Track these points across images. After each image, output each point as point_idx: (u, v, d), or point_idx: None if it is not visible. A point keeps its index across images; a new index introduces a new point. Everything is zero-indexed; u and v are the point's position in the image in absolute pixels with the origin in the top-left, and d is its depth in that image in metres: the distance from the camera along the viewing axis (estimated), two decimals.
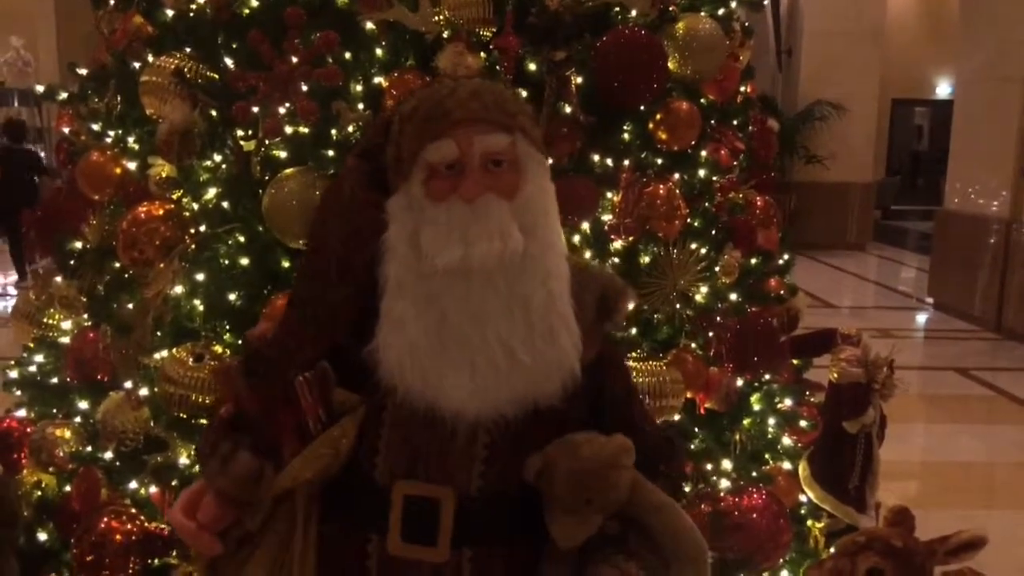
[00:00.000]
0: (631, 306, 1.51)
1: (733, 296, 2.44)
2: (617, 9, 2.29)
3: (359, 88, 2.14)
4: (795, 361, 2.84)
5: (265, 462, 1.37)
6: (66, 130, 2.75)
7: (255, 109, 2.11)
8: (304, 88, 2.10)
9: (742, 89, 2.71)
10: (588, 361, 1.38)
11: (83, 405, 2.39)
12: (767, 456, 2.56)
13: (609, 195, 2.26)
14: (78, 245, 2.47)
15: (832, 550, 2.26)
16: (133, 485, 2.23)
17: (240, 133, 2.17)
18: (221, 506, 1.38)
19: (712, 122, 2.50)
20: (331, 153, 2.10)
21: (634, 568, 1.35)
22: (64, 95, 2.64)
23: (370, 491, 1.37)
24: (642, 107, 2.29)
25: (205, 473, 1.42)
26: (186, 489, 1.44)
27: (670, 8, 2.38)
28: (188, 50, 2.26)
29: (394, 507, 1.34)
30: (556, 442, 1.36)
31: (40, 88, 2.76)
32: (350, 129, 2.10)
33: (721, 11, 2.52)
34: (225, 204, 2.18)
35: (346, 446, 1.37)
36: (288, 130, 2.12)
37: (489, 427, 1.34)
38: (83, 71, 2.61)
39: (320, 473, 1.37)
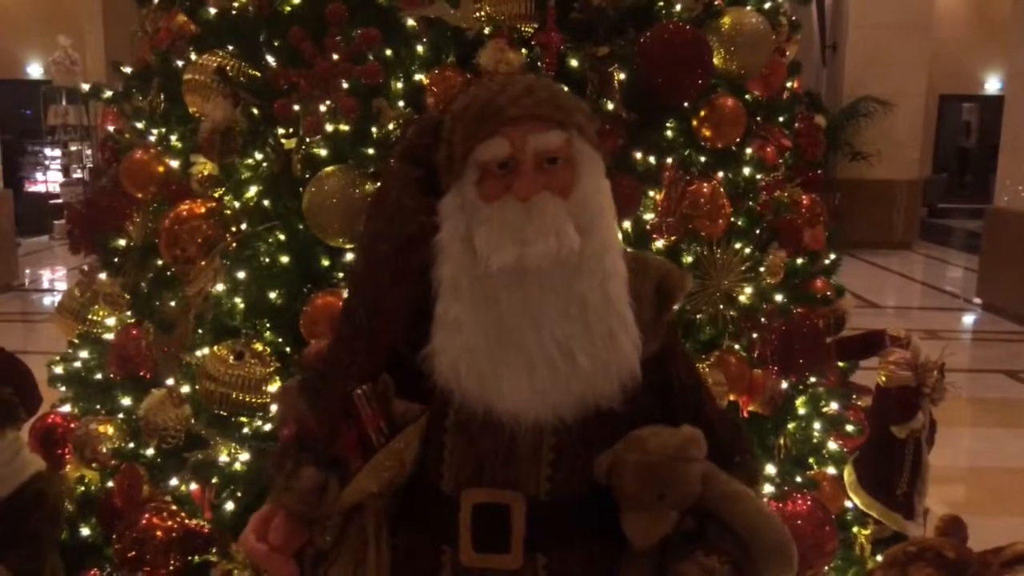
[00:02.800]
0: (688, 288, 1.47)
1: (778, 297, 2.39)
2: (661, 4, 2.25)
3: (400, 85, 2.13)
4: (841, 363, 2.78)
5: (329, 476, 1.36)
6: (111, 128, 2.78)
7: (296, 107, 2.11)
8: (345, 85, 2.09)
9: (788, 85, 2.65)
10: (651, 354, 1.35)
11: (126, 401, 2.41)
12: (812, 461, 2.51)
13: (651, 193, 2.23)
14: (122, 242, 2.49)
15: (880, 559, 2.20)
16: (174, 482, 2.25)
17: (281, 131, 2.17)
18: (291, 525, 1.37)
19: (757, 119, 2.45)
20: (371, 151, 2.10)
21: (716, 562, 1.31)
22: (108, 93, 2.66)
23: (438, 501, 1.35)
24: (686, 104, 2.25)
25: (272, 493, 1.41)
26: (256, 513, 1.44)
27: (715, 2, 2.33)
28: (230, 48, 2.26)
29: (463, 516, 1.32)
30: (623, 439, 1.33)
31: (85, 87, 2.79)
32: (390, 127, 2.09)
33: (767, 5, 2.46)
34: (266, 202, 2.18)
35: (410, 457, 1.35)
36: (329, 128, 2.11)
37: (553, 429, 1.31)
38: (127, 70, 2.63)
39: (386, 486, 1.35)
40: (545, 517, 1.32)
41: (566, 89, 2.03)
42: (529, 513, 1.31)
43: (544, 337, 1.27)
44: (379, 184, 1.58)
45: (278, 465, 1.40)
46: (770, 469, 2.34)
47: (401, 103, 2.11)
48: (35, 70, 16.51)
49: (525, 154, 1.27)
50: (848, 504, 2.61)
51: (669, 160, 2.24)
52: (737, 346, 2.31)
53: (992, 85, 17.26)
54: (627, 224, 2.18)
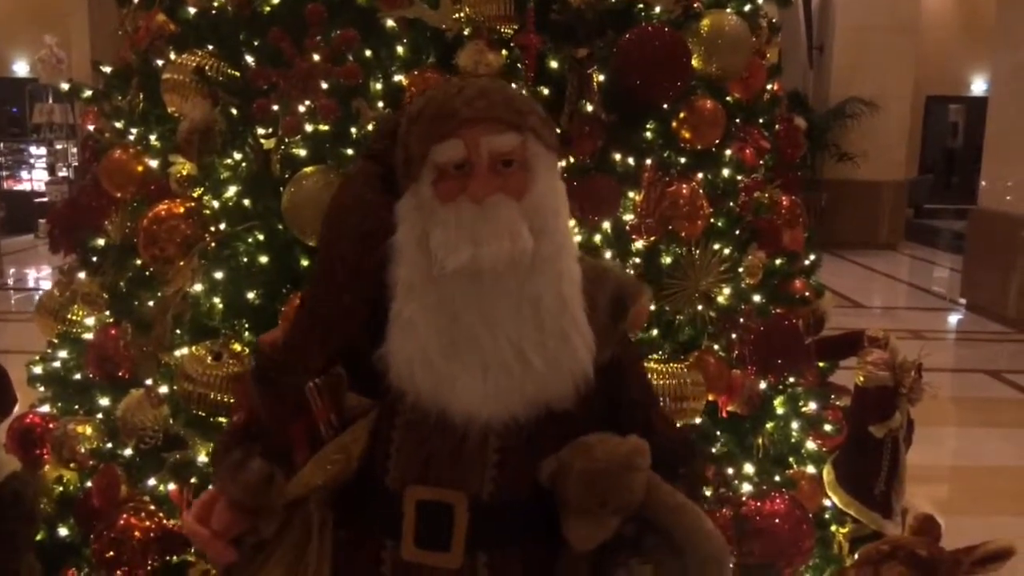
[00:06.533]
0: (648, 305, 1.48)
1: (757, 297, 2.40)
2: (641, 6, 2.26)
3: (379, 86, 2.13)
4: (820, 364, 2.80)
5: (276, 468, 1.36)
6: (91, 127, 2.77)
7: (275, 107, 2.11)
8: (324, 86, 2.09)
9: (769, 87, 2.66)
10: (603, 363, 1.36)
11: (104, 402, 2.40)
12: (791, 460, 2.53)
13: (631, 194, 2.23)
14: (101, 242, 2.48)
15: (856, 557, 2.22)
16: (152, 482, 2.24)
17: (260, 131, 2.16)
18: (233, 513, 1.37)
19: (737, 120, 2.46)
20: (350, 151, 2.10)
21: (650, 571, 1.33)
22: (88, 92, 2.65)
23: (383, 497, 1.36)
24: (665, 105, 2.26)
25: (217, 480, 1.41)
26: (199, 496, 1.44)
27: (694, 5, 2.34)
28: (210, 48, 2.26)
29: (407, 513, 1.33)
30: (570, 444, 1.34)
31: (66, 85, 2.78)
32: (369, 127, 2.09)
33: (747, 7, 2.48)
34: (245, 202, 2.18)
35: (357, 451, 1.35)
36: (308, 128, 2.11)
37: (501, 431, 1.32)
38: (107, 69, 2.62)
39: (332, 479, 1.36)
40: (488, 517, 1.33)
41: (546, 91, 2.09)
42: (472, 513, 1.32)
43: (498, 338, 1.28)
44: (342, 180, 1.59)
45: (225, 452, 1.41)
46: (748, 468, 2.35)
47: (380, 104, 2.12)
48: (21, 68, 16.44)
49: (480, 156, 1.28)
50: (826, 503, 2.62)
51: (648, 161, 2.25)
52: (716, 346, 2.32)
53: (978, 86, 17.36)
54: (606, 225, 2.19)
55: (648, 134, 2.26)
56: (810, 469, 2.57)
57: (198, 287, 2.16)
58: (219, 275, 2.15)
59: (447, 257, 1.26)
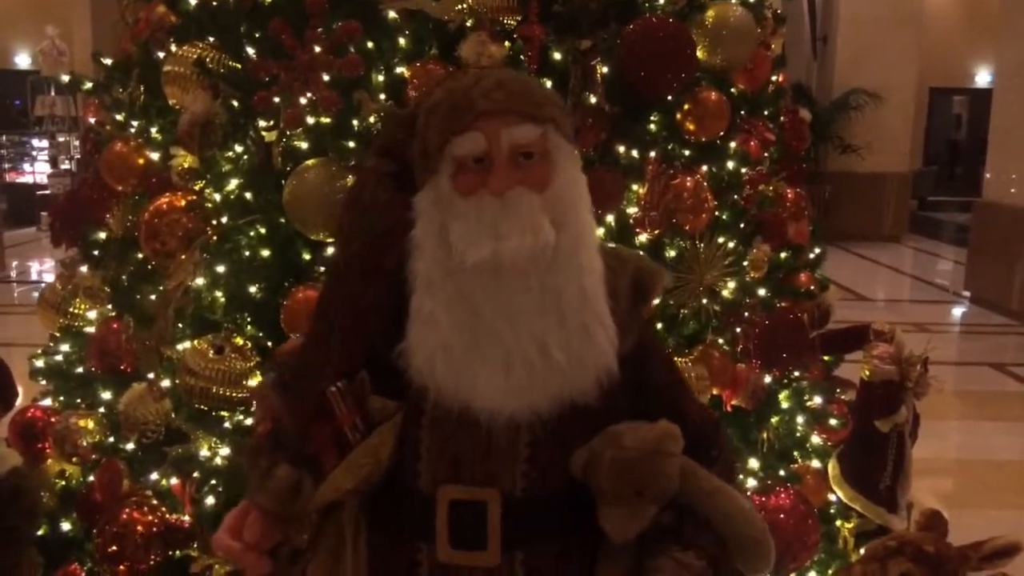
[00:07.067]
0: (665, 284, 1.46)
1: (761, 291, 2.39)
2: None
3: (381, 78, 2.12)
4: (825, 357, 2.78)
5: (303, 474, 1.34)
6: (92, 120, 2.75)
7: (276, 99, 2.09)
8: (325, 78, 2.07)
9: (773, 78, 2.64)
10: (627, 350, 1.34)
11: (106, 395, 2.39)
12: (796, 455, 2.52)
13: (635, 187, 2.22)
14: (102, 235, 2.47)
15: (862, 552, 2.21)
16: (154, 476, 2.23)
17: (261, 124, 2.15)
18: (265, 523, 1.36)
19: (742, 112, 2.45)
20: (352, 144, 2.08)
21: (692, 557, 1.31)
22: (88, 84, 2.63)
23: (415, 499, 1.34)
24: (669, 97, 2.24)
25: (247, 490, 1.40)
26: (230, 512, 1.42)
27: None
28: (210, 39, 2.25)
29: (440, 513, 1.31)
30: (600, 434, 1.32)
31: (66, 77, 2.76)
32: (371, 119, 2.08)
33: None
34: (247, 195, 2.17)
35: (386, 453, 1.33)
36: (309, 120, 2.10)
37: (529, 426, 1.30)
38: (107, 61, 2.60)
39: (362, 483, 1.33)
40: (522, 513, 1.31)
41: (549, 83, 2.07)
42: (506, 509, 1.30)
43: (520, 332, 1.26)
44: (354, 180, 1.57)
45: (252, 463, 1.39)
46: (753, 463, 2.34)
47: (382, 96, 2.10)
48: (23, 60, 16.42)
49: (500, 148, 1.26)
50: (831, 497, 2.62)
51: (652, 154, 2.23)
52: (720, 340, 2.31)
53: (982, 78, 17.30)
54: (610, 218, 2.17)
55: (652, 126, 2.25)
56: (815, 464, 2.57)
57: (200, 281, 2.15)
58: (221, 269, 2.14)
59: (467, 251, 1.24)
